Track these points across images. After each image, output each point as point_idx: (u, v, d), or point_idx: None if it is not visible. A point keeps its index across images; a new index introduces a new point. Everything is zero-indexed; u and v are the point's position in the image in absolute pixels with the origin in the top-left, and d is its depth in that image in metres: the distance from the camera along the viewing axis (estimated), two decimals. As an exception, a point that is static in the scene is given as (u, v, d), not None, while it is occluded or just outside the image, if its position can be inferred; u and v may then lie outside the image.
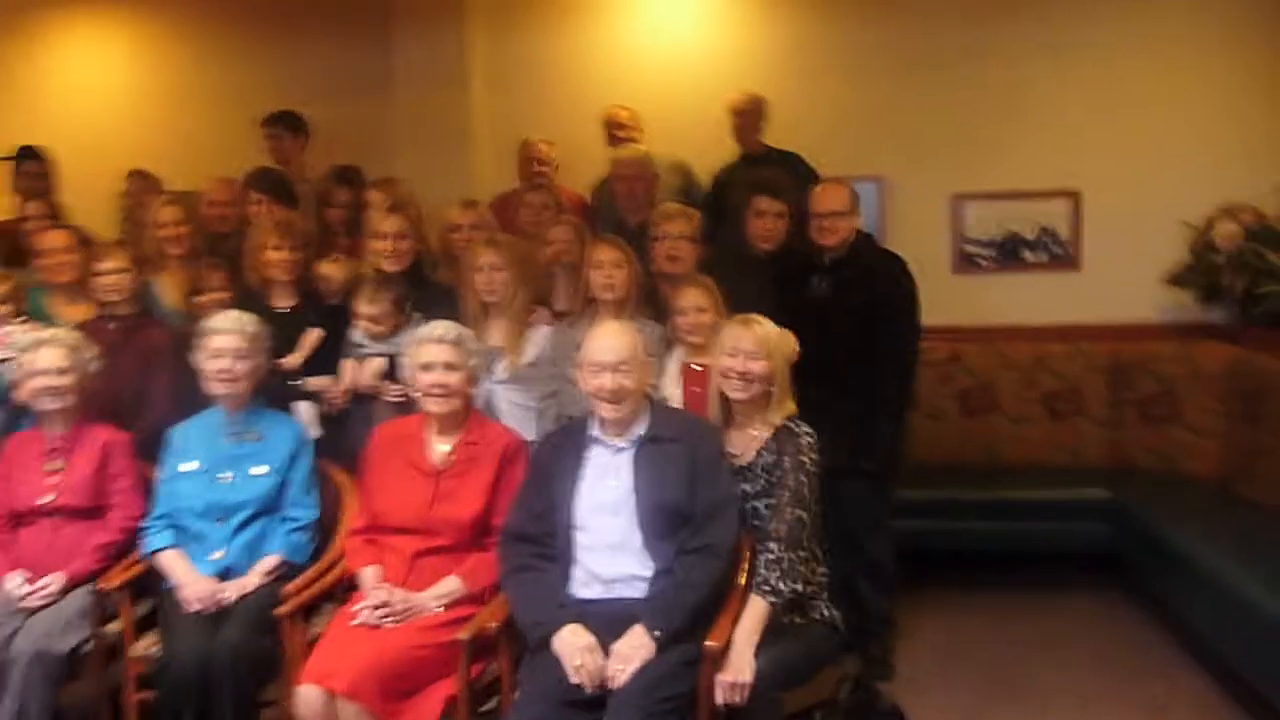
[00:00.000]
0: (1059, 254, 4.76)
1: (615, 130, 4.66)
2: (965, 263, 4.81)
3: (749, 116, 4.40)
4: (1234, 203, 4.45)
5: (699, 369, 3.16)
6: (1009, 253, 4.79)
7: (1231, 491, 4.08)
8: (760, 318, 2.72)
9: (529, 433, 3.26)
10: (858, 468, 3.36)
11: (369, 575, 2.70)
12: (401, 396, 3.15)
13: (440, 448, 2.80)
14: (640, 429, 2.60)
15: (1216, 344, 4.36)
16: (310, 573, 2.86)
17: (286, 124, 4.57)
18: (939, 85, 4.80)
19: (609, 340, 2.59)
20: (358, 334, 3.30)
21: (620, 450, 2.60)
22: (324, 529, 3.04)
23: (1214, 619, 3.38)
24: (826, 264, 3.47)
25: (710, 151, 4.63)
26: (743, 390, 2.66)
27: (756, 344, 2.65)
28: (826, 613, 2.63)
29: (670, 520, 2.49)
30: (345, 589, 2.80)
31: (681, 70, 5.04)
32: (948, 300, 4.36)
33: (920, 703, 3.28)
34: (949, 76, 4.79)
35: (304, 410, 3.38)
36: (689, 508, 2.49)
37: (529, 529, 2.58)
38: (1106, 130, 4.68)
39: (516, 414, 3.30)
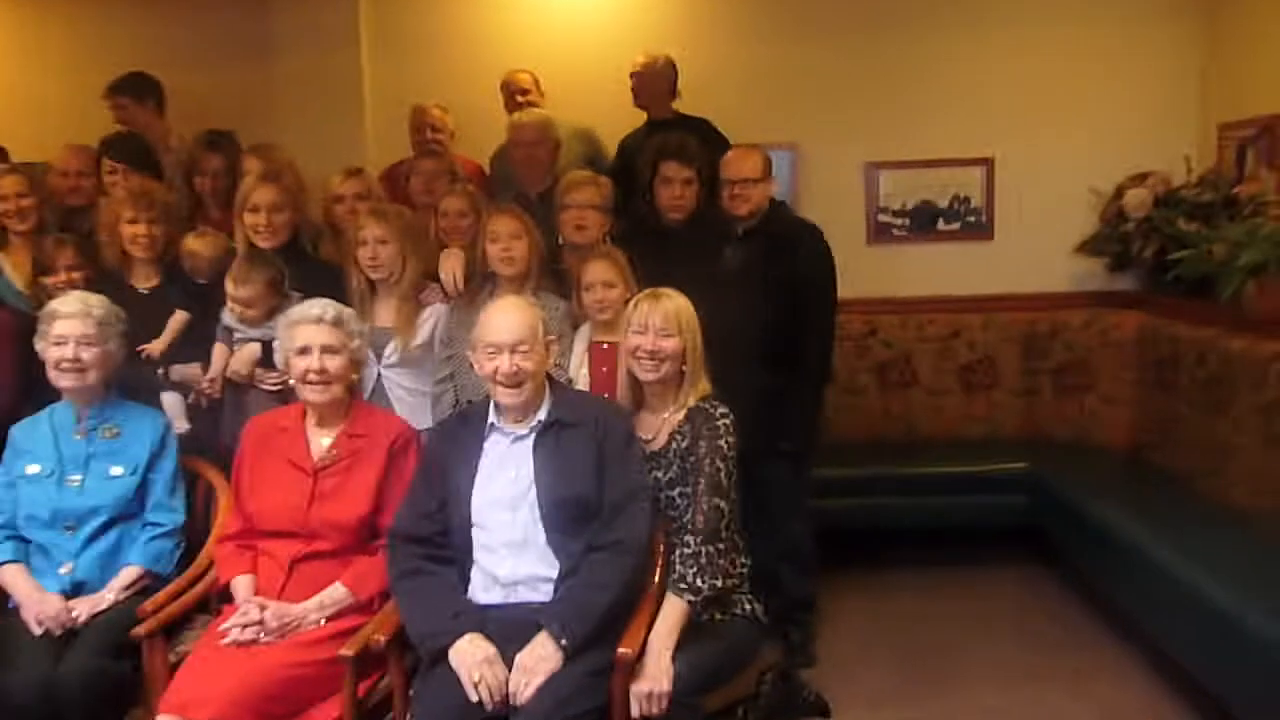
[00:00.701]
0: (973, 222, 4.67)
1: (516, 95, 4.37)
2: (880, 232, 4.69)
3: (654, 79, 4.15)
4: (1143, 171, 4.41)
5: (607, 347, 2.95)
6: (923, 222, 4.68)
7: (1145, 460, 4.07)
8: (670, 291, 2.51)
9: (423, 421, 3.03)
10: (775, 448, 3.20)
11: (241, 586, 2.42)
12: (279, 385, 2.85)
13: (321, 441, 2.52)
14: (541, 414, 2.37)
15: (1127, 312, 4.34)
16: (174, 585, 2.56)
17: (132, 90, 4.10)
18: (852, 51, 4.64)
19: (505, 318, 2.34)
20: (229, 317, 2.97)
21: (519, 438, 2.36)
22: (193, 535, 2.73)
23: (1132, 589, 3.35)
24: (740, 234, 3.28)
25: (618, 119, 4.36)
26: (653, 370, 2.45)
27: (667, 320, 2.44)
28: (748, 607, 2.46)
29: (576, 514, 2.27)
30: (218, 603, 2.51)
31: (586, 32, 4.76)
32: (863, 271, 4.25)
33: (844, 689, 3.16)
34: (862, 42, 4.64)
35: (169, 402, 3.05)
36: (596, 500, 2.28)
37: (420, 528, 2.33)
38: (1019, 97, 4.59)
39: (408, 401, 3.05)
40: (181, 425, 3.04)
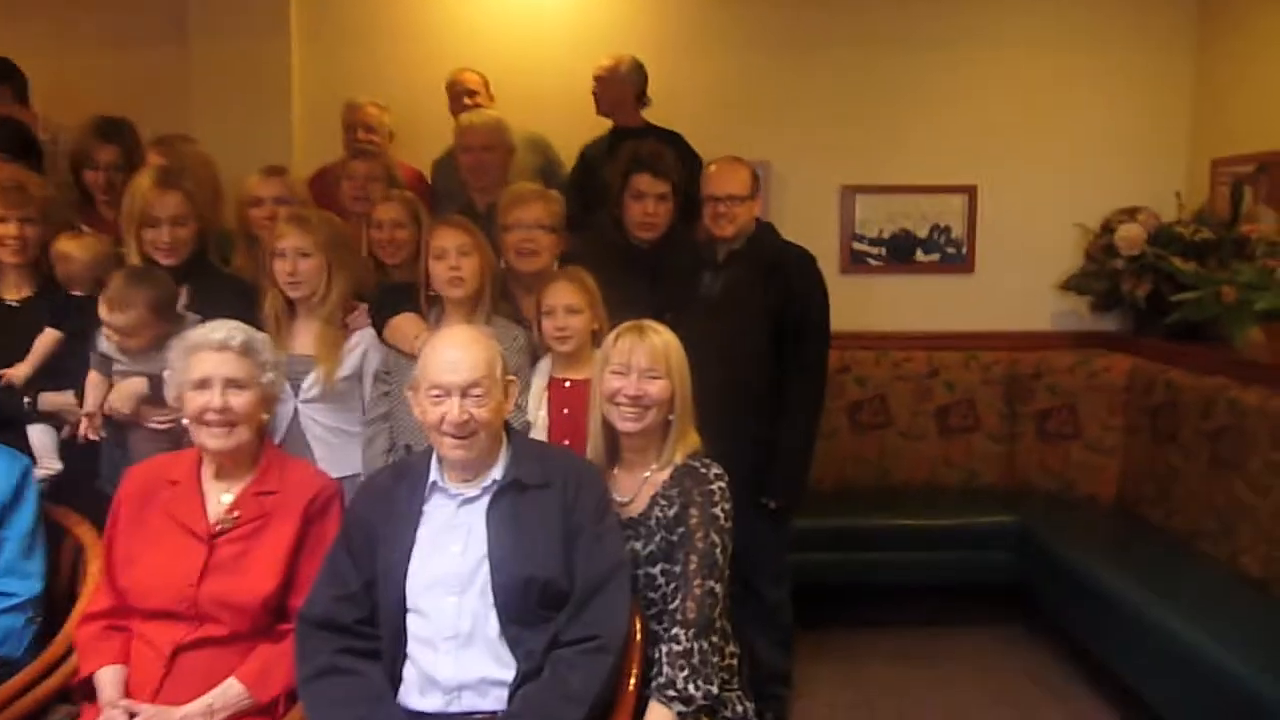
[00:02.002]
0: (953, 254, 4.37)
1: (462, 97, 3.93)
2: (854, 261, 4.36)
3: (618, 85, 3.76)
4: (1130, 206, 4.17)
5: (570, 385, 2.53)
6: (901, 251, 4.37)
7: (1137, 515, 3.79)
8: (657, 325, 2.10)
9: (347, 466, 2.56)
10: (758, 503, 2.80)
11: (107, 682, 1.91)
12: (169, 423, 2.35)
13: (219, 498, 2.03)
14: (496, 472, 1.93)
15: (1115, 354, 4.07)
16: (26, 673, 2.04)
17: None
18: (831, 66, 4.32)
19: (455, 354, 1.89)
20: (106, 344, 2.46)
21: (468, 501, 1.91)
22: (57, 606, 2.21)
23: (1132, 656, 3.05)
24: (721, 258, 2.88)
25: (573, 128, 3.99)
26: (635, 419, 2.03)
27: (654, 359, 2.03)
28: (739, 708, 2.04)
29: (539, 600, 1.83)
30: (79, 698, 2.00)
31: (541, 31, 4.34)
32: (836, 303, 3.78)
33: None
34: (843, 57, 4.32)
35: (38, 437, 2.55)
36: (564, 582, 1.84)
37: (339, 614, 1.86)
38: (1004, 124, 4.33)
39: (331, 442, 2.59)
40: (52, 465, 2.54)
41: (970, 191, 4.35)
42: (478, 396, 1.86)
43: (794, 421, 2.82)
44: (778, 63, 4.34)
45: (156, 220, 2.57)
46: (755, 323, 2.79)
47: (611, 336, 2.09)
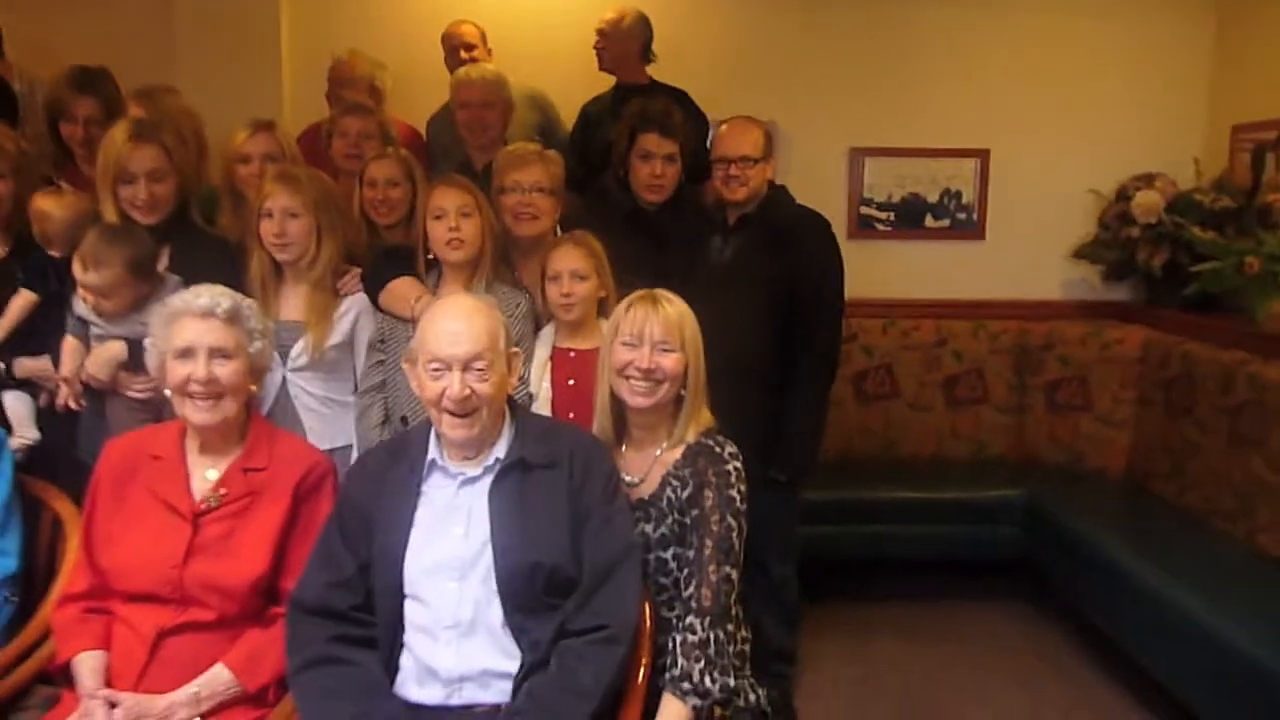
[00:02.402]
0: (963, 220, 4.25)
1: (459, 51, 3.76)
2: (862, 226, 4.22)
3: (623, 39, 3.59)
4: (1146, 172, 4.04)
5: (575, 355, 2.41)
6: (910, 216, 4.24)
7: (1148, 490, 3.71)
8: (670, 294, 1.97)
9: (337, 436, 2.45)
10: (766, 477, 2.70)
11: (86, 669, 1.81)
12: (149, 391, 2.23)
13: (205, 475, 1.92)
14: (499, 450, 1.81)
15: (1129, 325, 3.97)
16: (2, 655, 1.93)
17: None
18: (840, 23, 4.16)
19: (457, 324, 1.77)
20: (81, 307, 2.32)
21: (470, 481, 1.80)
22: (34, 585, 2.10)
23: (1143, 633, 2.99)
24: (732, 223, 2.75)
25: (574, 85, 3.83)
26: (646, 394, 1.92)
27: (668, 330, 1.91)
28: (752, 696, 1.94)
29: (545, 587, 1.72)
30: (61, 682, 1.89)
31: (540, -17, 4.17)
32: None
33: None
34: (852, 16, 4.15)
35: (13, 404, 2.43)
36: (571, 567, 1.73)
37: (332, 600, 1.76)
38: (1019, 87, 4.18)
39: (321, 413, 2.47)
40: (28, 434, 2.42)
41: (982, 156, 4.22)
42: (480, 370, 1.75)
43: (804, 393, 2.71)
44: (786, 19, 4.18)
45: (132, 176, 2.42)
46: (766, 290, 2.67)
47: (623, 306, 1.97)
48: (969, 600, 3.79)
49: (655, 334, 1.89)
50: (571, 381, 2.40)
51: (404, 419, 2.43)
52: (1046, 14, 4.17)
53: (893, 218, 4.23)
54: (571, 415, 2.37)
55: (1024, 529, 3.66)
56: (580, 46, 3.83)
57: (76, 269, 2.23)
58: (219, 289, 1.97)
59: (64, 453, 2.39)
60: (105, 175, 2.43)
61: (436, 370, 1.75)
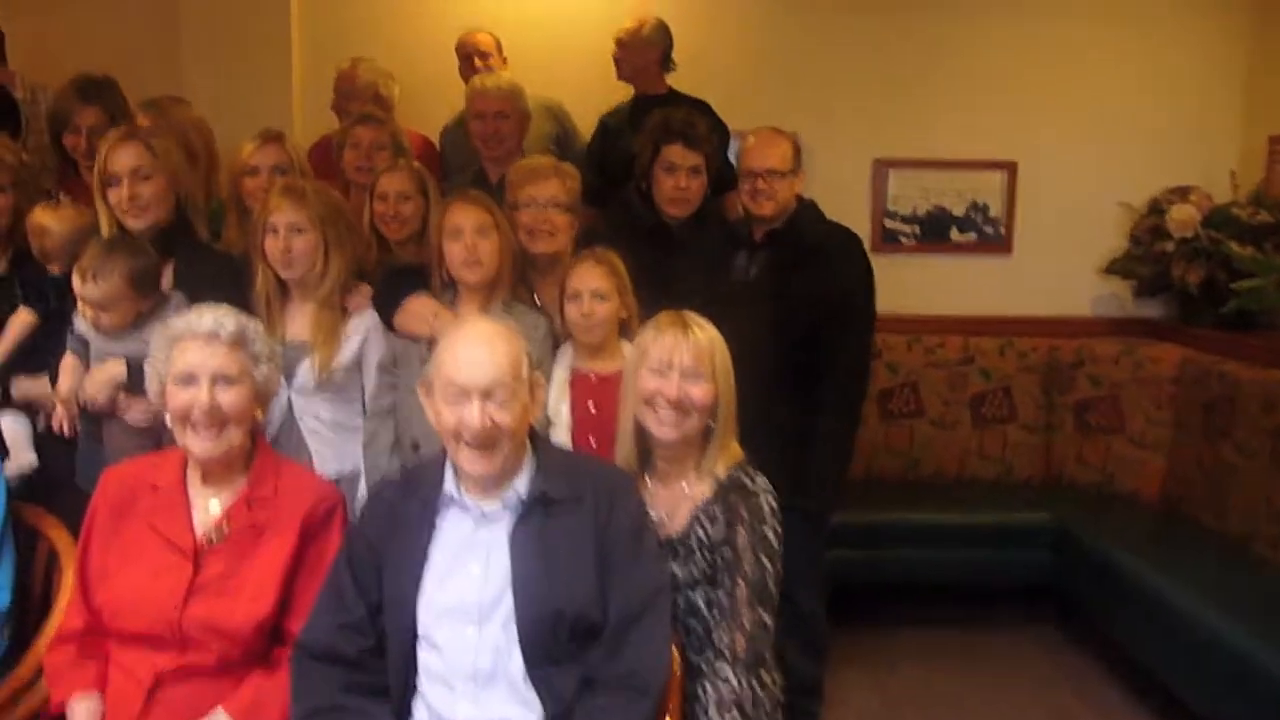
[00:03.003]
0: (990, 234, 4.14)
1: (474, 59, 3.68)
2: (886, 240, 4.11)
3: (643, 49, 3.49)
4: (1180, 185, 3.93)
5: (596, 380, 2.30)
6: (935, 230, 4.13)
7: (1184, 515, 3.57)
8: (700, 319, 1.86)
9: (345, 462, 2.35)
10: (792, 504, 2.57)
11: (80, 713, 1.70)
12: (148, 418, 2.13)
13: (207, 507, 1.81)
14: (519, 485, 1.70)
15: (1163, 344, 3.84)
16: (-8, 698, 1.83)
17: None
18: (864, 33, 4.06)
19: (476, 350, 1.66)
20: (81, 323, 2.22)
21: (489, 519, 1.69)
22: (25, 621, 2.00)
23: (1181, 665, 2.88)
24: (758, 238, 2.65)
25: (590, 95, 3.74)
26: (674, 426, 1.80)
27: (699, 358, 1.80)
28: (785, 742, 1.83)
29: (569, 634, 1.61)
30: (52, 723, 1.79)
31: (556, -9, 4.08)
32: None
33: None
34: (876, 24, 4.05)
35: (10, 427, 2.33)
36: (596, 613, 1.62)
37: (341, 644, 1.65)
38: (1048, 97, 4.08)
39: (328, 437, 2.36)
40: (25, 459, 2.31)
41: (1010, 168, 4.11)
42: (501, 399, 1.64)
43: (833, 417, 2.59)
44: (807, 27, 4.08)
45: (116, 177, 2.31)
46: (794, 309, 2.56)
47: (650, 330, 1.86)
48: (996, 627, 3.66)
49: (685, 362, 1.79)
50: (592, 406, 2.30)
51: (415, 444, 2.32)
52: (1077, 22, 4.07)
53: (917, 231, 4.13)
54: (592, 442, 2.27)
55: (1053, 553, 3.54)
56: (596, 55, 3.74)
57: (76, 281, 2.13)
58: (223, 309, 1.87)
59: (63, 479, 2.29)
60: (96, 182, 2.33)
61: (454, 397, 1.64)
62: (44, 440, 2.33)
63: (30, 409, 2.35)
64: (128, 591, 1.74)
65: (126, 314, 2.15)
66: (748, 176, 2.60)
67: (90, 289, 2.11)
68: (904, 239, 4.12)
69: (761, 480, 1.83)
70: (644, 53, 3.46)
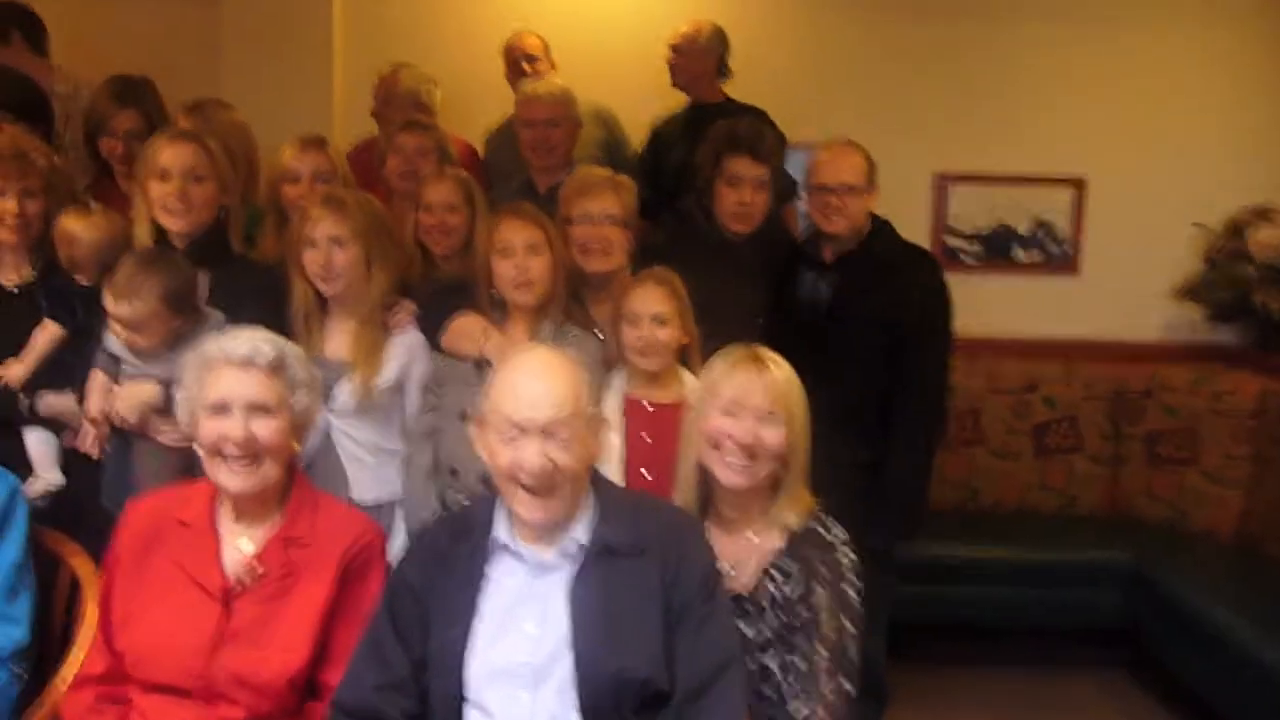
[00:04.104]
0: (1056, 254, 3.95)
1: (521, 63, 3.55)
2: (947, 258, 3.91)
3: (699, 56, 3.35)
4: (1263, 206, 3.72)
5: (654, 410, 2.15)
6: (998, 249, 3.95)
7: (1262, 555, 3.37)
8: (775, 356, 1.70)
9: (386, 492, 2.20)
10: (861, 543, 2.41)
11: (99, 770, 1.57)
12: (182, 440, 2.00)
13: (239, 546, 1.67)
14: (579, 532, 1.55)
15: (1240, 373, 3.63)
16: (6, 744, 1.70)
17: None
18: (926, 41, 3.89)
19: (536, 383, 1.51)
20: (114, 342, 2.08)
21: (546, 570, 1.54)
22: (47, 655, 1.87)
23: (1259, 713, 2.72)
24: (829, 258, 2.48)
25: (641, 101, 3.59)
26: (743, 471, 1.65)
27: (774, 399, 1.64)
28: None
29: (634, 701, 1.45)
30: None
31: (605, -7, 3.94)
32: None
33: None
34: (938, 32, 3.88)
35: (36, 445, 2.20)
36: (664, 678, 1.46)
37: (382, 705, 1.50)
38: (1118, 110, 3.89)
39: (368, 462, 2.23)
40: (51, 478, 2.20)
41: (1078, 184, 3.92)
42: (563, 440, 1.49)
43: (908, 448, 2.44)
44: (866, 34, 3.93)
45: (167, 172, 2.19)
46: (868, 334, 2.41)
47: (720, 364, 1.70)
48: (1064, 670, 3.46)
49: (759, 403, 1.63)
50: (647, 438, 2.14)
51: (453, 470, 2.18)
52: (1150, 30, 3.88)
53: (980, 250, 3.95)
54: (647, 476, 2.12)
55: (1125, 594, 3.34)
56: (646, 59, 3.61)
57: (107, 300, 2.00)
58: (260, 334, 1.73)
59: (88, 500, 2.17)
60: (141, 173, 2.21)
61: (511, 434, 1.49)
62: (69, 458, 2.21)
63: (55, 426, 2.23)
64: (151, 637, 1.61)
65: (161, 335, 2.02)
66: (819, 192, 2.44)
67: (123, 309, 1.98)
68: (965, 257, 3.94)
69: (839, 530, 1.67)
70: (700, 59, 3.31)
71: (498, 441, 1.51)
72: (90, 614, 1.83)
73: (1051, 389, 3.77)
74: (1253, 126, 3.86)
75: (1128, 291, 3.92)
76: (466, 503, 2.12)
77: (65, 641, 1.91)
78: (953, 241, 3.93)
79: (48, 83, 3.04)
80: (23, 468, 2.15)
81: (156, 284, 1.97)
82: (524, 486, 1.49)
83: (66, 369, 2.20)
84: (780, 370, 1.67)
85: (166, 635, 1.59)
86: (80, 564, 1.95)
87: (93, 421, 2.10)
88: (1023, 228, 3.93)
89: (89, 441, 2.09)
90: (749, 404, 1.63)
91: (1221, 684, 2.92)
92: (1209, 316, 3.88)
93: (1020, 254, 3.95)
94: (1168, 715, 3.20)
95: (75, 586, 1.95)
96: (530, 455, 1.47)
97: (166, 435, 2.04)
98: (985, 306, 3.92)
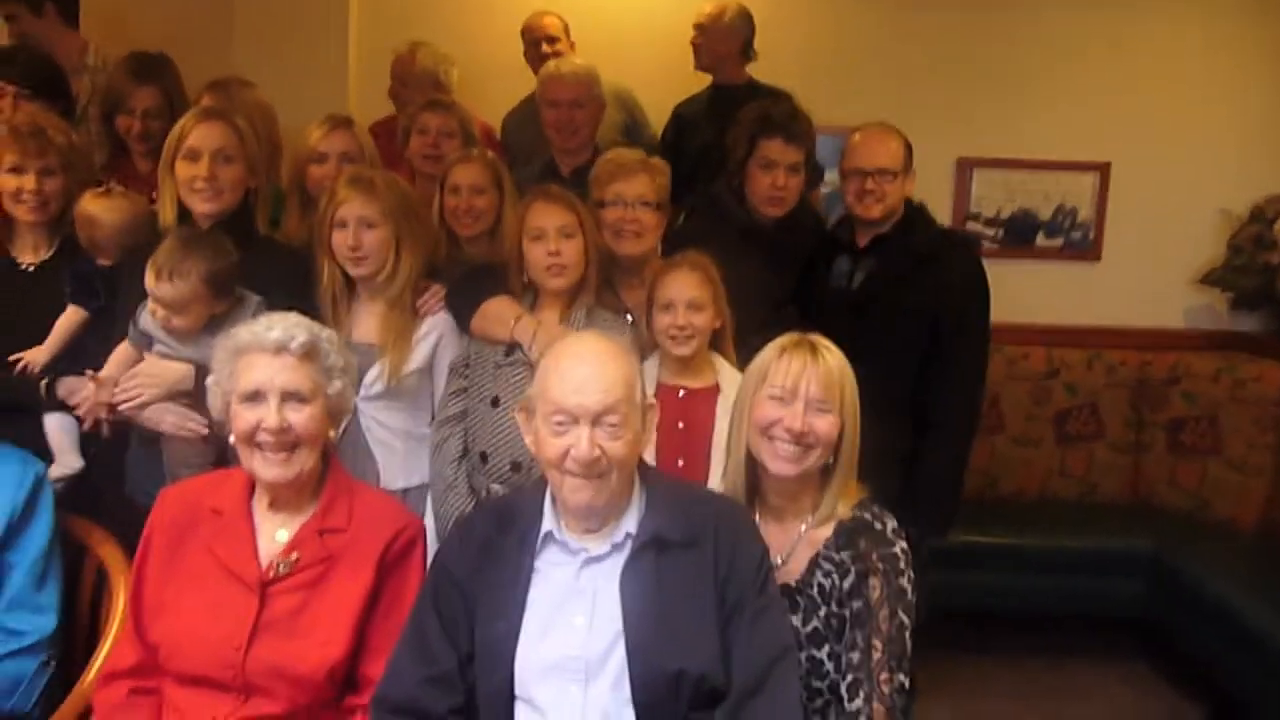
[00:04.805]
0: (1078, 239, 3.90)
1: (541, 44, 3.49)
2: (968, 243, 3.87)
3: (724, 36, 3.29)
4: (1283, 192, 3.68)
5: (685, 395, 2.11)
6: (1020, 234, 3.90)
7: (1283, 544, 3.34)
8: (828, 343, 1.66)
9: (415, 476, 2.16)
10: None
11: (133, 764, 1.53)
12: (188, 431, 1.96)
13: (275, 536, 1.63)
14: (628, 523, 1.51)
15: (1265, 361, 3.60)
16: (36, 735, 1.67)
17: None
18: (946, 24, 3.82)
19: (587, 369, 1.47)
20: (149, 320, 2.02)
21: (595, 560, 1.50)
22: (74, 644, 1.84)
23: None
24: (863, 244, 2.44)
25: (661, 82, 3.55)
26: (794, 460, 1.61)
27: (828, 387, 1.60)
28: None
29: (691, 697, 1.41)
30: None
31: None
32: None
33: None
34: (961, 14, 3.81)
35: (56, 429, 2.16)
36: (720, 674, 1.42)
37: (427, 700, 1.46)
38: (1143, 95, 3.83)
39: (396, 448, 2.20)
40: (71, 463, 2.15)
41: (1102, 169, 3.87)
42: (613, 426, 1.44)
43: (944, 439, 2.39)
44: (887, 17, 3.87)
45: (196, 152, 2.13)
46: (904, 322, 2.36)
47: (772, 351, 1.66)
48: (1085, 658, 3.44)
49: (812, 391, 1.58)
50: (680, 424, 2.10)
51: (483, 455, 2.15)
52: (1176, 13, 3.82)
53: (1001, 235, 3.90)
54: (680, 463, 2.08)
55: (1148, 584, 3.32)
56: (666, 39, 3.57)
57: (149, 278, 1.94)
58: (293, 318, 1.68)
59: (110, 486, 2.13)
60: (169, 152, 2.15)
61: (561, 424, 1.45)
62: (88, 444, 2.17)
63: (74, 410, 2.18)
64: (186, 628, 1.56)
65: (200, 317, 1.97)
66: (855, 176, 2.38)
67: (165, 289, 1.92)
68: (987, 242, 3.88)
69: (890, 520, 1.63)
70: (726, 40, 3.26)
71: (546, 429, 1.47)
72: (119, 604, 1.80)
73: (1073, 376, 3.74)
74: (1278, 113, 3.81)
75: (1150, 278, 3.88)
76: (497, 488, 2.10)
77: (92, 633, 1.88)
78: (974, 226, 3.88)
79: (78, 55, 2.99)
80: (42, 453, 2.10)
81: (199, 264, 1.92)
82: (571, 473, 1.45)
83: (88, 352, 2.16)
84: (834, 358, 1.63)
85: (201, 626, 1.55)
86: (108, 552, 1.92)
87: (97, 381, 2.02)
88: (1045, 213, 3.89)
89: (86, 406, 2.01)
90: (802, 392, 1.59)
91: (1242, 672, 2.91)
92: (1232, 304, 3.85)
93: (1042, 239, 3.90)
94: (1188, 703, 3.19)
95: (102, 575, 1.92)
96: (580, 443, 1.43)
97: (191, 425, 1.98)
98: (1006, 292, 3.79)
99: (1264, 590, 3.02)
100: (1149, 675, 3.37)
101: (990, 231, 3.89)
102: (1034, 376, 3.75)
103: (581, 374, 1.46)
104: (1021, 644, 3.47)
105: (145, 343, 2.05)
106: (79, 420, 2.17)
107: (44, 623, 1.79)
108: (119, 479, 2.13)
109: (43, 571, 1.82)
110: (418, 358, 2.19)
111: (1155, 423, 3.69)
